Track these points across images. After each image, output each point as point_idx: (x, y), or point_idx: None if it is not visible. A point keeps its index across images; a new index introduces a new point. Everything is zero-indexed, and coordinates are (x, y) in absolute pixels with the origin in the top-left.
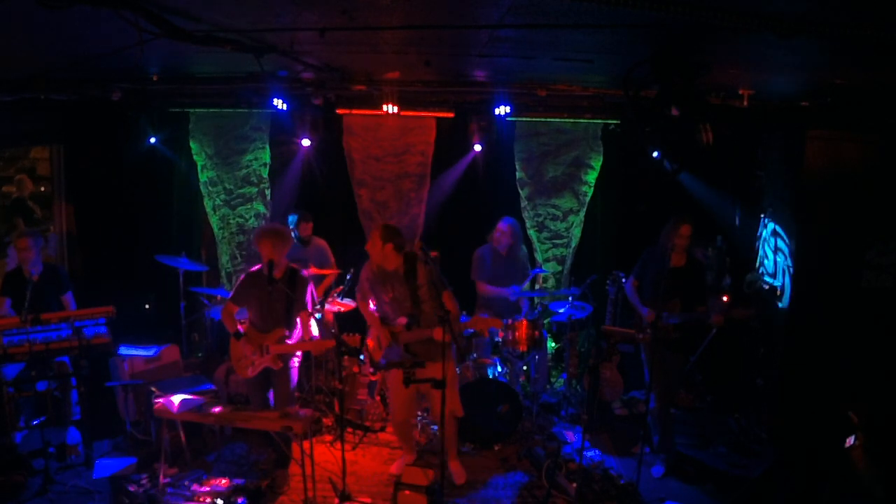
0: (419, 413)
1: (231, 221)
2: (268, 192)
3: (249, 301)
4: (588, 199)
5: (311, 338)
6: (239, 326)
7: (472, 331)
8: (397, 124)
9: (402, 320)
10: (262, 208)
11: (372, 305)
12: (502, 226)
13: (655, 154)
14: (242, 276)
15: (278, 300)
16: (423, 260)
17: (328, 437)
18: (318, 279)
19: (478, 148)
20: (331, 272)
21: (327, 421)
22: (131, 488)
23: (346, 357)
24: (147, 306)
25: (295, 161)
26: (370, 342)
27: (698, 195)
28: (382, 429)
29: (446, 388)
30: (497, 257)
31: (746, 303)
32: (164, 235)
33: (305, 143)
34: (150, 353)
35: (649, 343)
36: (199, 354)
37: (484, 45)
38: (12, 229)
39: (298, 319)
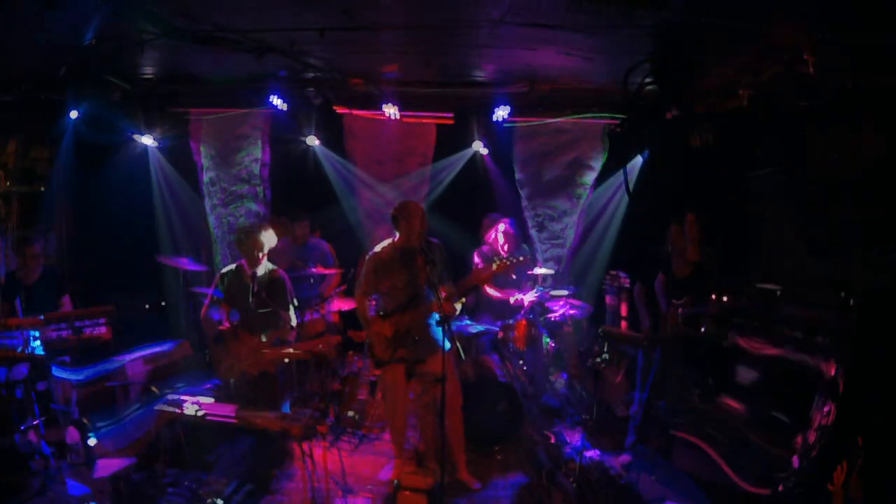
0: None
1: (229, 221)
2: (266, 191)
3: (230, 302)
4: (587, 199)
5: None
6: (220, 327)
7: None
8: (398, 126)
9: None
10: (260, 207)
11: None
12: (508, 228)
13: (644, 154)
14: (217, 278)
15: (258, 303)
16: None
17: (326, 436)
18: (322, 279)
19: (478, 147)
20: (335, 271)
21: (322, 429)
22: (131, 488)
23: (350, 354)
24: (147, 306)
25: (294, 160)
26: (372, 339)
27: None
28: (382, 429)
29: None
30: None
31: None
32: (164, 235)
33: (305, 142)
34: (162, 348)
35: (654, 349)
36: (199, 354)
37: (484, 46)
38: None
39: (283, 318)
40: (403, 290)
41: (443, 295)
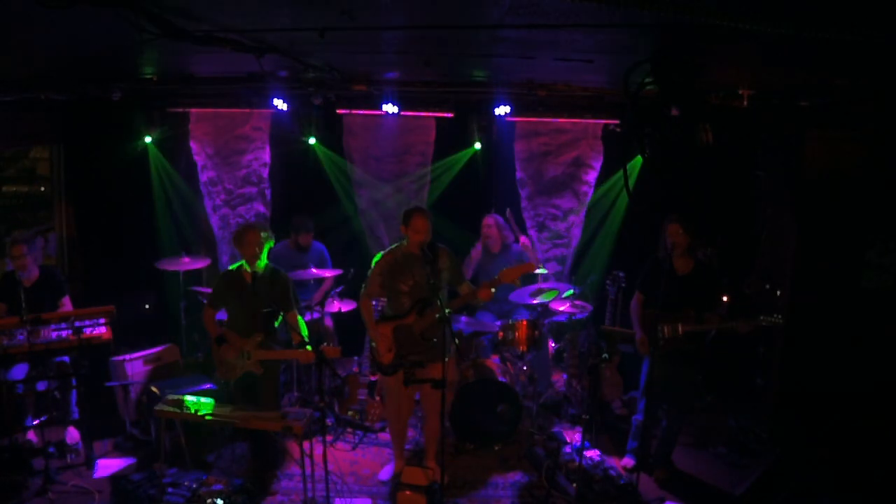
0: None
1: (231, 221)
2: (268, 192)
3: (228, 303)
4: (588, 199)
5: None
6: (220, 329)
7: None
8: (397, 124)
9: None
10: (262, 208)
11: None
12: (488, 220)
13: (644, 155)
14: (218, 278)
15: (259, 303)
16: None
17: (326, 436)
18: (318, 281)
19: (478, 147)
20: (330, 273)
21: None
22: (131, 488)
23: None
24: (147, 306)
25: (295, 161)
26: (377, 343)
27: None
28: (383, 429)
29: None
30: (489, 256)
31: (747, 310)
32: (163, 235)
33: (306, 142)
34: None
35: (657, 356)
36: (199, 354)
37: (484, 45)
38: (12, 229)
39: (288, 320)
40: (409, 294)
41: (464, 292)
